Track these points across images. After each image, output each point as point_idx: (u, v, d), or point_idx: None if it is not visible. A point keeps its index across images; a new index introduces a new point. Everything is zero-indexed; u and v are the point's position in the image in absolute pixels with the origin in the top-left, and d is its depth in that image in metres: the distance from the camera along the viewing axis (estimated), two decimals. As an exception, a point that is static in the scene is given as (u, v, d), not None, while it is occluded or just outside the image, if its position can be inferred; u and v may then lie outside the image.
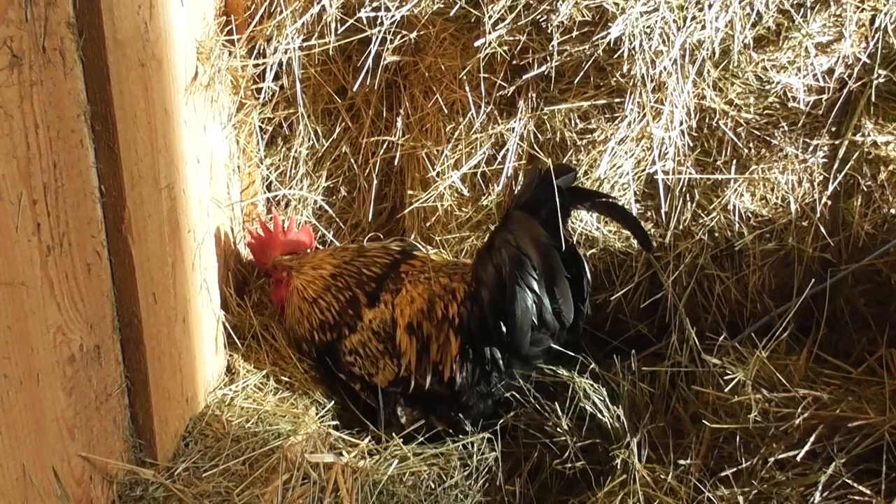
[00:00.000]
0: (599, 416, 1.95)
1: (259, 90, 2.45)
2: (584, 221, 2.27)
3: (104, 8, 1.55)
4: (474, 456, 2.01)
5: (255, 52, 2.38)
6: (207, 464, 2.09)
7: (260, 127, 2.55)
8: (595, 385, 2.01)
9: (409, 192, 2.49)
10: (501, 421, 2.10)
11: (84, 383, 1.75)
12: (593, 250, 2.32)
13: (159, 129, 1.90)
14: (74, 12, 1.53)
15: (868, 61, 2.03)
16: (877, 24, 1.98)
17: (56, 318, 1.60)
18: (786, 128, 2.16)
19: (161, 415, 2.03)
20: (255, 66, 2.39)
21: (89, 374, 1.76)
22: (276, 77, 2.41)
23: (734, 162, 2.20)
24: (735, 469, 1.74)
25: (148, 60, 1.81)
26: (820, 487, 1.61)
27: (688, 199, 2.26)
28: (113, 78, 1.61)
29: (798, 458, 1.68)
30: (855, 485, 1.60)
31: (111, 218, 1.74)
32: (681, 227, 2.28)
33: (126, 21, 1.66)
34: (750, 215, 2.25)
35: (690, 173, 2.21)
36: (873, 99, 2.06)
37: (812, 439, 1.69)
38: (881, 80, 2.05)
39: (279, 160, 2.62)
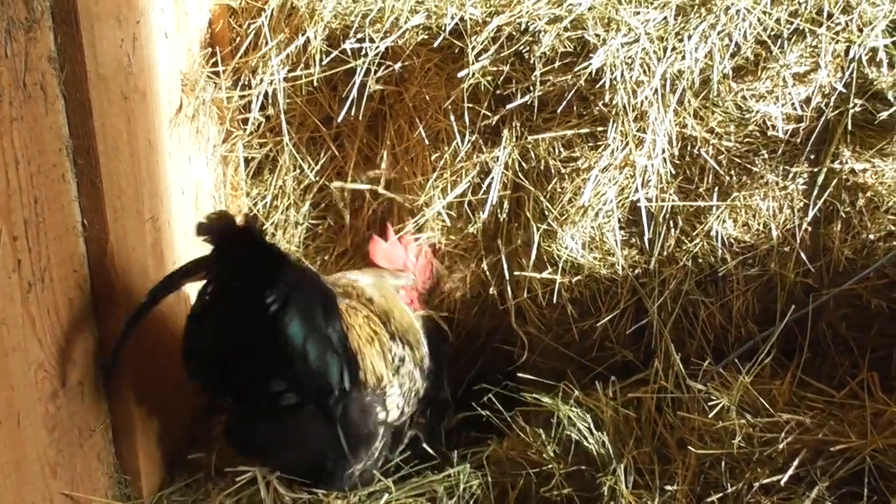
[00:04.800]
0: (585, 442, 1.95)
1: (245, 121, 2.46)
2: (568, 249, 2.28)
3: (86, 42, 1.56)
4: (461, 485, 2.00)
5: (241, 83, 2.40)
6: (193, 499, 2.07)
7: (246, 157, 2.56)
8: (579, 412, 2.01)
9: (396, 222, 2.50)
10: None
11: (66, 420, 1.74)
12: (578, 277, 2.33)
13: (143, 161, 1.91)
14: (56, 47, 1.55)
15: (844, 91, 2.07)
16: (851, 55, 2.02)
17: (38, 354, 1.60)
18: (766, 155, 2.19)
19: (146, 449, 2.02)
20: (241, 97, 2.40)
21: (72, 410, 1.75)
22: (262, 107, 2.42)
23: (716, 189, 2.23)
24: (721, 494, 1.74)
25: (131, 93, 1.82)
26: (804, 512, 1.62)
27: (671, 225, 2.28)
28: (95, 112, 1.63)
29: (782, 483, 1.68)
30: (838, 510, 1.61)
31: (94, 251, 1.75)
32: (665, 253, 2.29)
33: (108, 55, 1.68)
34: (732, 241, 2.27)
35: (673, 200, 2.23)
36: (850, 127, 2.09)
37: (795, 464, 1.70)
38: (857, 108, 2.08)
39: (265, 190, 2.62)
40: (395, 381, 2.03)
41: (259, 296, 1.69)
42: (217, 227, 1.72)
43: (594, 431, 1.98)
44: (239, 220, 1.77)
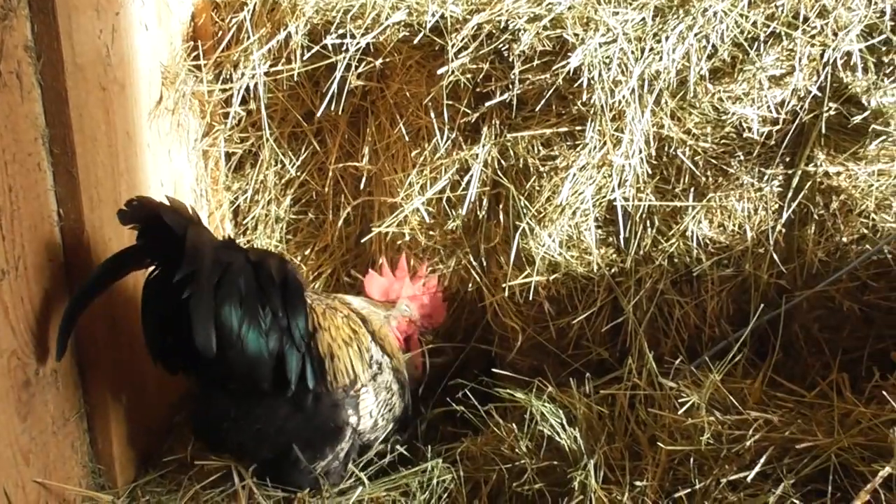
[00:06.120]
0: (557, 438, 1.96)
1: (226, 115, 2.47)
2: (545, 247, 2.30)
3: (63, 32, 1.56)
4: (434, 479, 2.02)
5: (222, 77, 2.41)
6: (168, 489, 2.08)
7: (227, 152, 2.57)
8: (553, 407, 2.03)
9: (376, 217, 2.51)
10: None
11: (40, 408, 1.74)
12: (556, 275, 2.34)
13: (121, 152, 1.91)
14: (32, 36, 1.55)
15: (819, 94, 2.09)
16: (825, 59, 2.05)
17: (10, 342, 1.60)
18: (742, 157, 2.21)
19: (122, 440, 2.02)
20: (222, 90, 2.41)
21: (46, 398, 1.75)
22: (244, 102, 2.43)
23: (692, 189, 2.25)
24: (689, 490, 1.76)
25: (109, 84, 1.82)
26: (769, 509, 1.64)
27: (648, 225, 2.30)
28: (72, 101, 1.63)
29: (749, 480, 1.70)
30: (801, 505, 1.64)
31: (70, 241, 1.75)
32: (641, 252, 2.31)
33: (86, 45, 1.68)
34: (708, 242, 2.29)
35: (650, 200, 2.25)
36: (824, 131, 2.12)
37: (762, 461, 1.72)
38: (832, 112, 2.10)
39: (246, 184, 2.63)
40: (370, 387, 2.03)
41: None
42: (139, 214, 1.72)
43: (567, 427, 2.00)
44: (165, 203, 1.75)
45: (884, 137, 2.08)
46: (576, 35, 2.06)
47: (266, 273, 1.77)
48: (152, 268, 1.79)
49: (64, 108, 1.63)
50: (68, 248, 1.76)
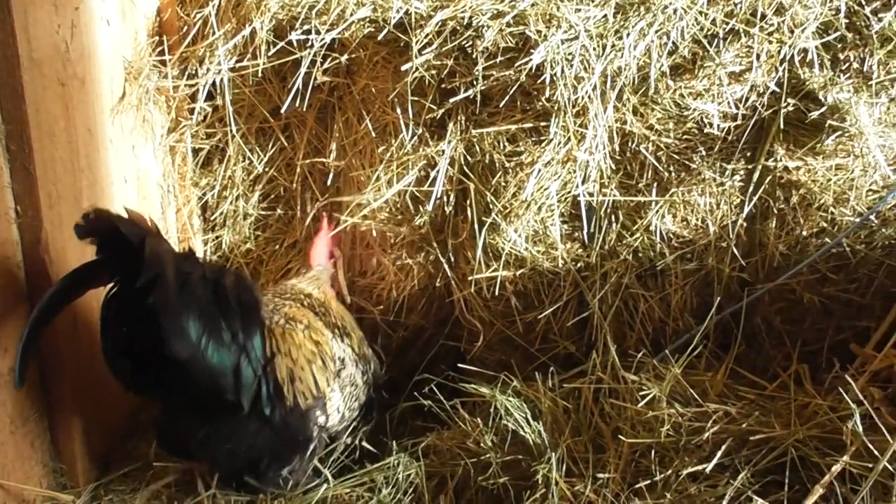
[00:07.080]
0: (521, 432, 1.98)
1: (192, 110, 2.45)
2: (512, 242, 2.31)
3: (18, 27, 1.55)
4: (399, 474, 2.02)
5: (188, 72, 2.39)
6: (131, 487, 2.07)
7: (194, 147, 2.55)
8: (517, 402, 2.04)
9: (344, 213, 2.51)
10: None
11: (-2, 406, 1.72)
12: (522, 270, 2.36)
13: (81, 148, 1.89)
14: (-14, 31, 1.54)
15: (777, 90, 2.12)
16: (783, 55, 2.07)
17: (-35, 340, 1.58)
18: (703, 152, 2.24)
19: (84, 440, 2.01)
20: (188, 86, 2.39)
21: (4, 397, 1.74)
22: (211, 97, 2.42)
23: (655, 185, 2.27)
24: (650, 482, 1.78)
25: (69, 80, 1.81)
26: (727, 499, 1.66)
27: (612, 220, 2.32)
28: (28, 97, 1.61)
29: (707, 471, 1.73)
30: (758, 498, 1.66)
31: (27, 238, 1.73)
32: (606, 247, 2.34)
33: (43, 40, 1.67)
34: (671, 236, 2.32)
35: (614, 195, 2.27)
36: (783, 126, 2.15)
37: (720, 453, 1.74)
38: (790, 108, 2.14)
39: (214, 180, 2.62)
40: (335, 385, 2.03)
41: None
42: (96, 228, 1.68)
43: (531, 421, 2.01)
44: (123, 215, 1.72)
45: (840, 132, 2.12)
46: (538, 32, 2.07)
47: (222, 290, 1.76)
48: (111, 285, 1.76)
49: (20, 103, 1.61)
50: (26, 245, 1.75)
